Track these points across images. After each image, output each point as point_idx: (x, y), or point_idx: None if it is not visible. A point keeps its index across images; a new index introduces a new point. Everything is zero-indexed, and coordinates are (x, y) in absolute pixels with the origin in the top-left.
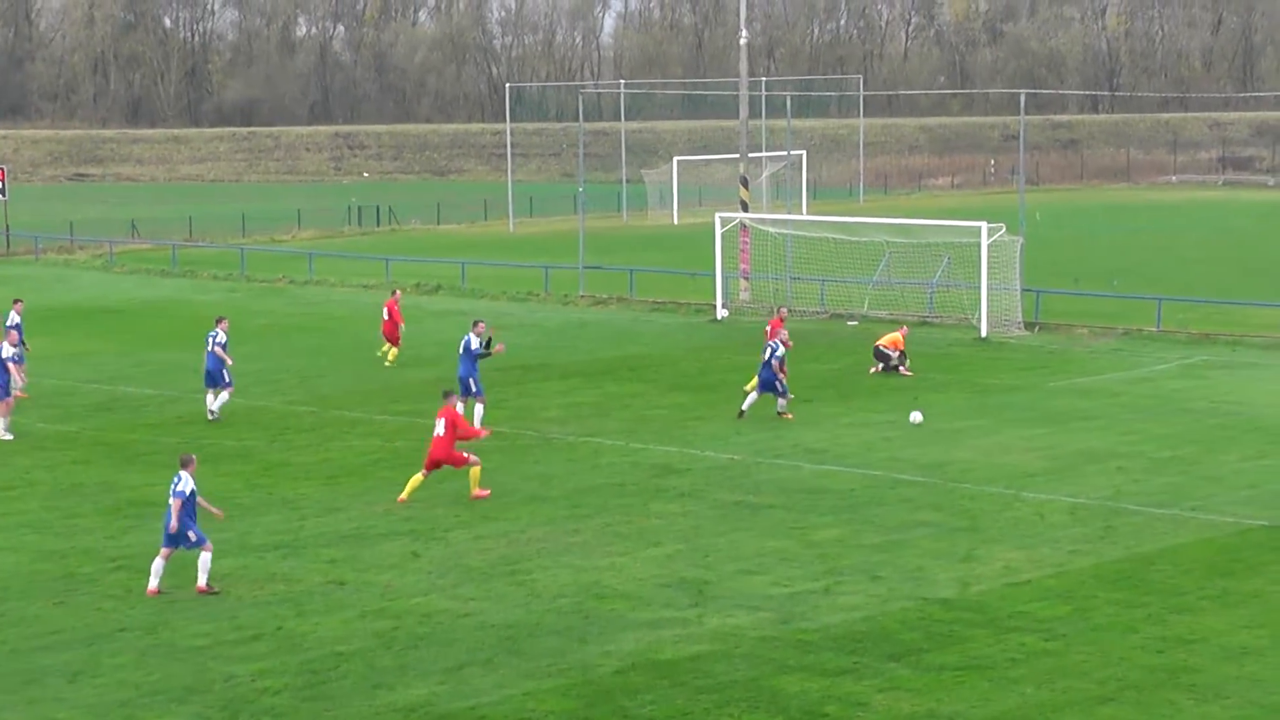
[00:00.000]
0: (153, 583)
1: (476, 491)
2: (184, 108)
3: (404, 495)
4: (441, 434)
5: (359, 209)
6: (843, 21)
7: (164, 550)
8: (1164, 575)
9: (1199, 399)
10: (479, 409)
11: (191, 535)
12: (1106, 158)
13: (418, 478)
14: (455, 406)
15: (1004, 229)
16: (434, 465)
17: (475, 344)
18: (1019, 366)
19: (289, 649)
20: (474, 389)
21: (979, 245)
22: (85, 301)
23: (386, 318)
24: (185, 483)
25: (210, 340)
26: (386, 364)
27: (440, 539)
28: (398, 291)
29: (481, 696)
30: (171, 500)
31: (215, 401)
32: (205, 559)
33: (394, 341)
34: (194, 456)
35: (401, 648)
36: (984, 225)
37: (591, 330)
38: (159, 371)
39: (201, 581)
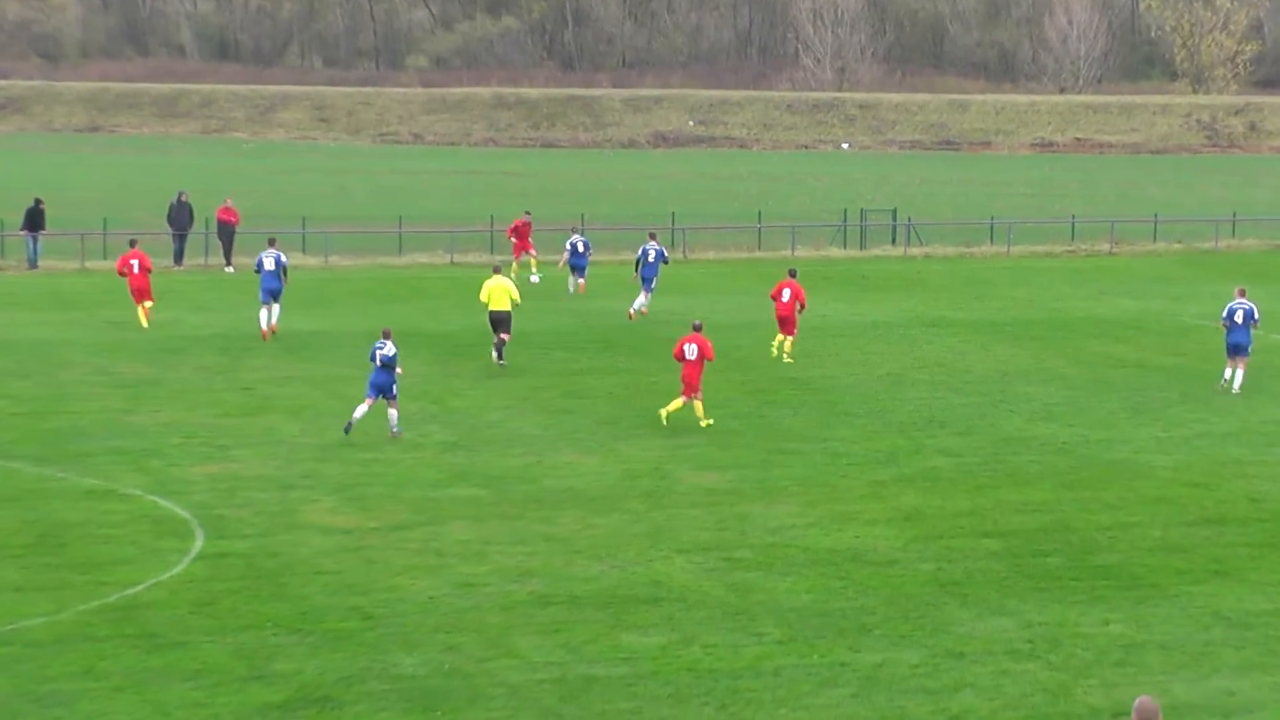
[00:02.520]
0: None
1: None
2: None
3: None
4: (693, 359)
5: None
6: None
7: (369, 400)
8: None
9: None
10: None
11: (394, 389)
12: None
13: (676, 403)
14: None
15: None
16: (689, 387)
17: None
18: None
19: None
20: None
21: None
22: None
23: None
24: (388, 348)
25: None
26: None
27: None
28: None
29: None
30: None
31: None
32: (394, 414)
33: None
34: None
35: None
36: None
37: None
38: None
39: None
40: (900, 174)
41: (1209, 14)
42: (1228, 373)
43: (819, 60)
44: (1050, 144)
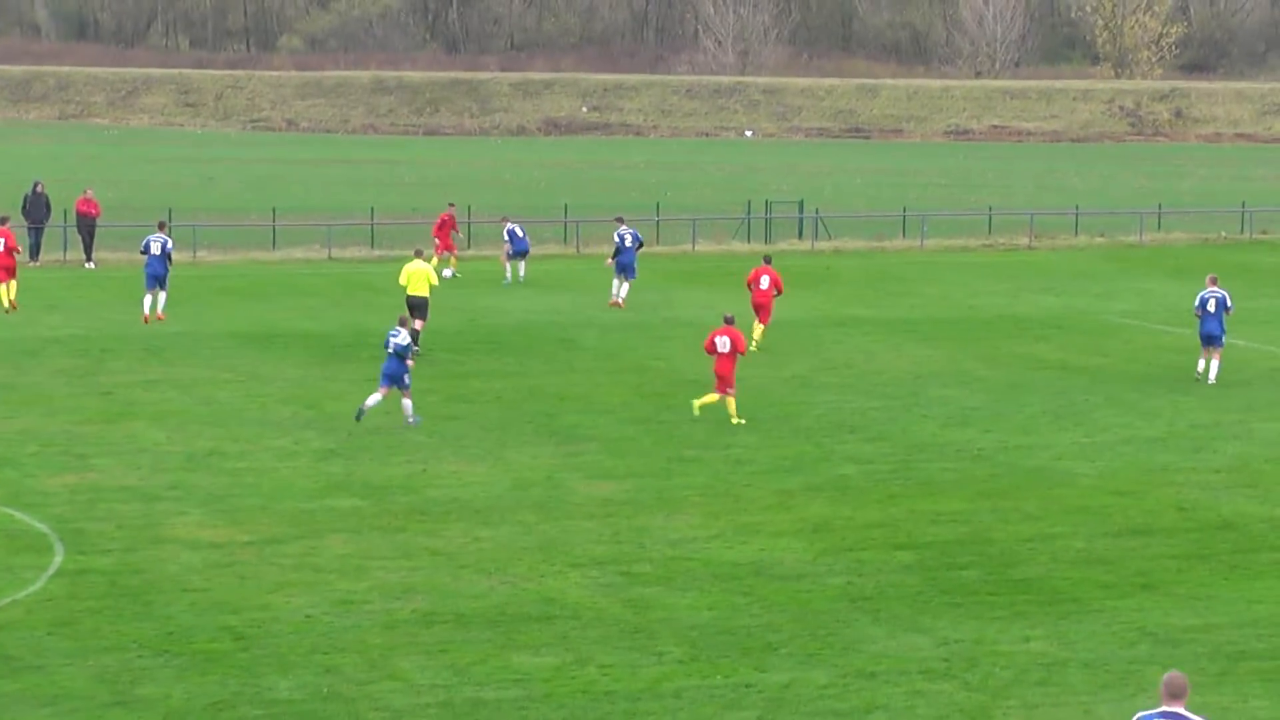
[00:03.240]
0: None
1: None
2: None
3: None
4: (726, 352)
5: None
6: None
7: (382, 389)
8: None
9: None
10: None
11: (407, 379)
12: None
13: (711, 397)
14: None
15: None
16: (723, 381)
17: None
18: None
19: None
20: None
21: None
22: None
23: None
24: (403, 336)
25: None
26: None
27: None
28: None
29: None
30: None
31: None
32: (408, 404)
33: None
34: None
35: None
36: None
37: None
38: None
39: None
40: (807, 163)
41: None
42: (1201, 364)
43: (720, 42)
44: (965, 131)
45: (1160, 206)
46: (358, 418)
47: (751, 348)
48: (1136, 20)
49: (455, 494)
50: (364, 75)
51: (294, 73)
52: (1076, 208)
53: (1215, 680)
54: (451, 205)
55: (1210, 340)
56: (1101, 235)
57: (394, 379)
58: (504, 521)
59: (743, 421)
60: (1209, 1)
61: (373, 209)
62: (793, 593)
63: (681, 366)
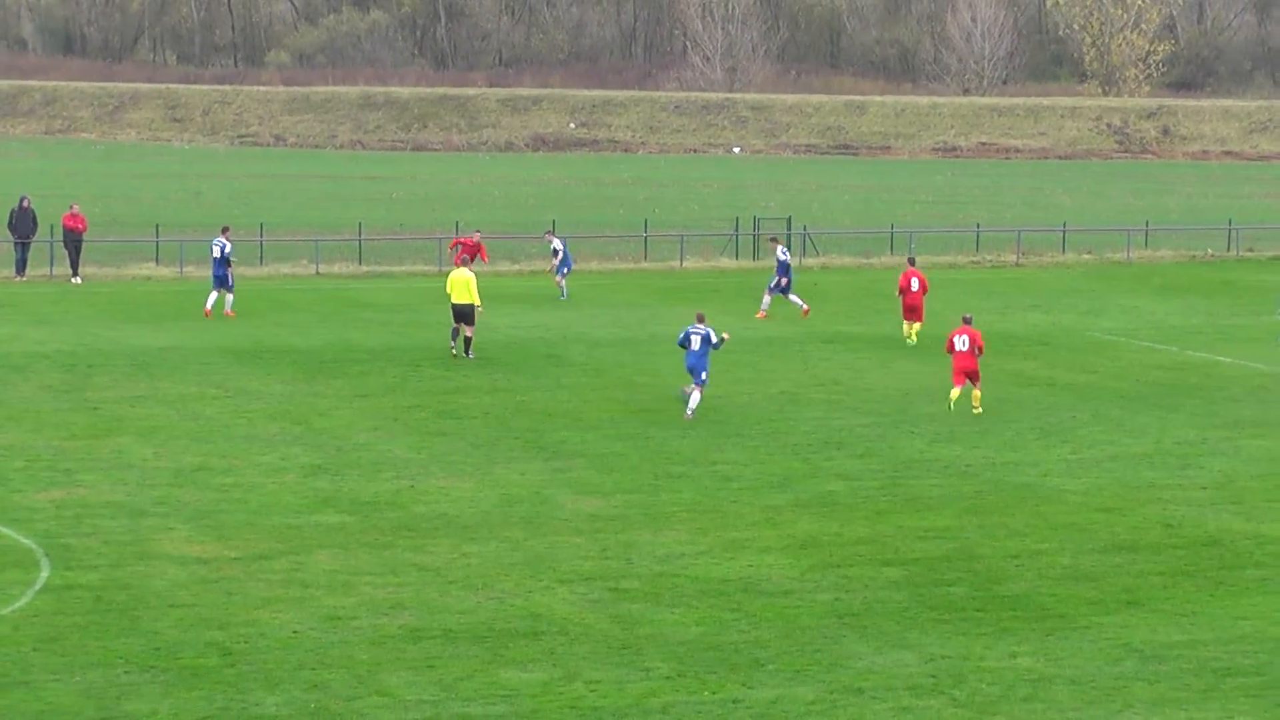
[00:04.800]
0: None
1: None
2: None
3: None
4: (965, 349)
5: None
6: None
7: (697, 385)
8: None
9: None
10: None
11: (704, 375)
12: None
13: (956, 390)
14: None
15: None
16: (967, 374)
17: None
18: None
19: None
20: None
21: None
22: None
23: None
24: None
25: None
26: None
27: None
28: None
29: None
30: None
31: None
32: (697, 397)
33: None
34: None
35: None
36: None
37: None
38: None
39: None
40: (795, 179)
41: (1119, 12)
42: None
43: (708, 59)
44: (953, 148)
45: (1147, 224)
46: (683, 401)
47: (910, 341)
48: (1124, 38)
49: (443, 510)
50: (352, 91)
51: (282, 88)
52: (1064, 225)
53: (1200, 696)
54: (477, 231)
55: None
56: (1089, 252)
57: (693, 372)
58: (491, 537)
59: (980, 410)
60: (1196, 19)
61: (360, 225)
62: (780, 609)
63: (669, 382)
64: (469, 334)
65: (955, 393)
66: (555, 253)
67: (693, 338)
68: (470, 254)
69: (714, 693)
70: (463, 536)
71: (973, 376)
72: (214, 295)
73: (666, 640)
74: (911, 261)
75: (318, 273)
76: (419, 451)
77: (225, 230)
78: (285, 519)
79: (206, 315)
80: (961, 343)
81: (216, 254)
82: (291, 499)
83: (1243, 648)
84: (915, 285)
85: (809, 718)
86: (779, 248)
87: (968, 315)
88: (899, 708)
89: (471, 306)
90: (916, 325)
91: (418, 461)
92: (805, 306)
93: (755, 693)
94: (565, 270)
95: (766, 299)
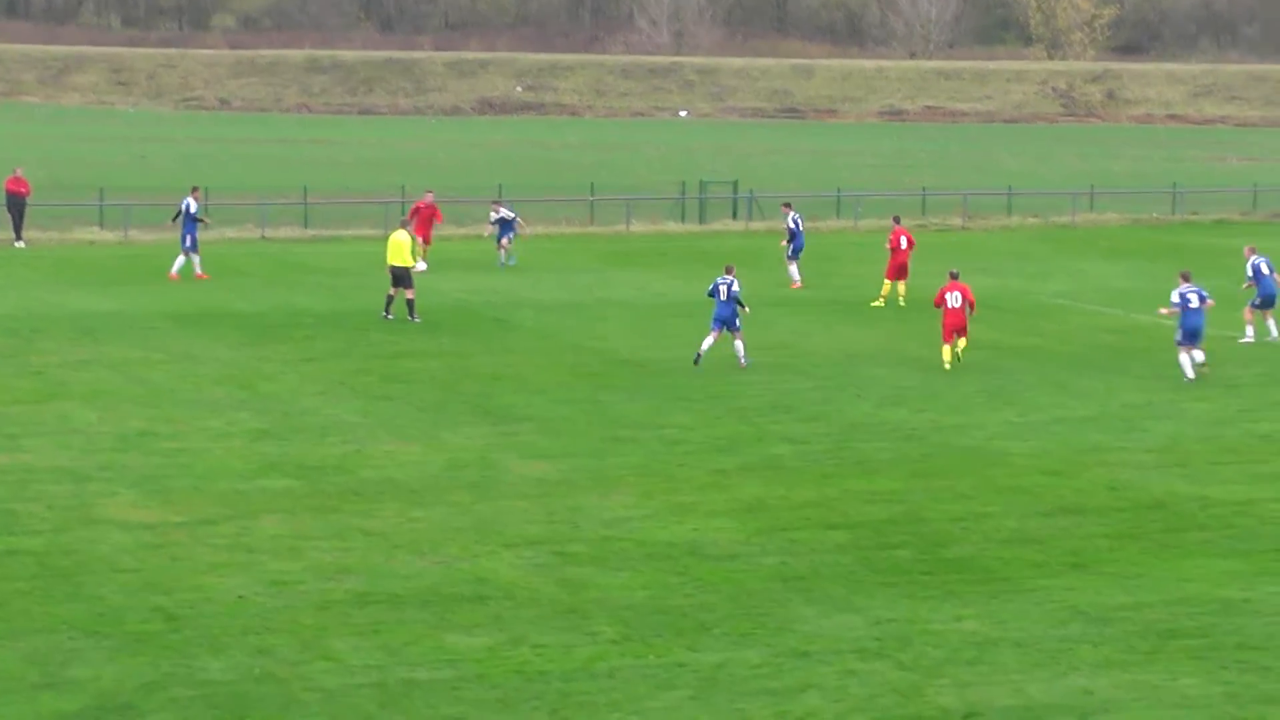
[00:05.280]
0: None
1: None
2: None
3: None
4: (957, 306)
5: None
6: None
7: (714, 332)
8: None
9: None
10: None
11: (739, 322)
12: None
13: (946, 348)
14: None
15: None
16: (956, 331)
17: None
18: None
19: None
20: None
21: None
22: None
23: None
24: (735, 284)
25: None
26: None
27: None
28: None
29: None
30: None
31: None
32: (740, 345)
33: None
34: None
35: None
36: None
37: None
38: None
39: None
40: (742, 143)
41: None
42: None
43: (655, 22)
44: (899, 112)
45: (1093, 187)
46: (696, 362)
47: (900, 303)
48: (1069, 2)
49: (389, 474)
50: (298, 54)
51: (227, 51)
52: (1010, 188)
53: (1145, 658)
54: (429, 192)
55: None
56: (1035, 216)
57: (726, 323)
58: (438, 502)
59: (960, 361)
60: None
61: (306, 189)
62: (726, 572)
63: (617, 346)
64: (409, 295)
65: (948, 350)
66: (501, 221)
67: (720, 288)
68: (427, 219)
69: (660, 656)
70: (409, 501)
71: (961, 331)
72: (180, 259)
73: (613, 604)
74: (897, 220)
75: (263, 237)
76: (365, 416)
77: (195, 191)
78: (231, 484)
79: (173, 279)
80: (954, 299)
81: (187, 210)
82: (237, 464)
83: (1187, 609)
84: (904, 243)
85: (755, 681)
86: (790, 214)
87: (955, 270)
88: (845, 671)
89: (406, 269)
90: (902, 285)
91: (364, 426)
92: (798, 281)
93: (701, 656)
94: (508, 237)
95: (793, 269)
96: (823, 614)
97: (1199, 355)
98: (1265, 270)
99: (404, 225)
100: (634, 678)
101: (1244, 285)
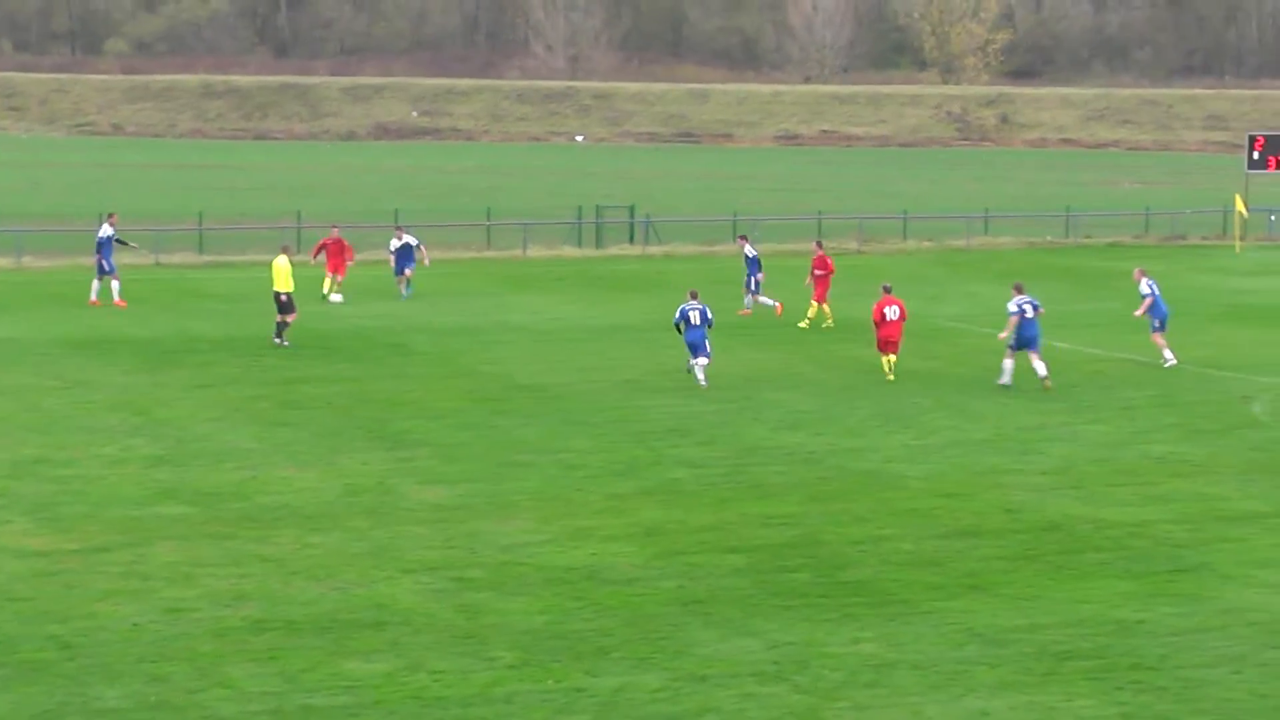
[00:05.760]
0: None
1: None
2: None
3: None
4: (895, 319)
5: None
6: None
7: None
8: None
9: None
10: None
11: (708, 347)
12: None
13: (885, 359)
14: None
15: None
16: (891, 343)
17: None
18: None
19: None
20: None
21: None
22: None
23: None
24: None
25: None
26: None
27: None
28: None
29: None
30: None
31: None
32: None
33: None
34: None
35: None
36: None
37: None
38: None
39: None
40: (638, 168)
41: (959, 0)
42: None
43: (551, 47)
44: (795, 136)
45: (987, 211)
46: (697, 379)
47: (827, 325)
48: (963, 27)
49: (286, 500)
50: (192, 79)
51: (121, 76)
52: (905, 212)
53: (1042, 680)
54: (335, 227)
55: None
56: (930, 240)
57: (698, 346)
58: (335, 527)
59: (892, 378)
60: (1034, 8)
61: (201, 214)
62: (625, 597)
63: (514, 371)
64: (290, 319)
65: (886, 361)
66: (403, 249)
67: (690, 314)
68: (336, 253)
69: (558, 681)
70: (306, 527)
71: (895, 345)
72: (96, 284)
73: (511, 629)
74: (887, 289)
75: (157, 263)
76: (262, 442)
77: (111, 216)
78: (126, 510)
79: (93, 304)
80: (892, 312)
81: (103, 236)
82: (132, 490)
83: (1083, 631)
84: (895, 313)
85: (653, 705)
86: (746, 244)
87: (888, 284)
88: (743, 694)
89: (289, 295)
90: (825, 307)
91: (260, 451)
92: (778, 304)
93: (600, 681)
94: (410, 267)
95: (748, 298)
96: (721, 638)
97: (1041, 368)
98: (1157, 291)
99: (284, 250)
100: (532, 703)
101: (1140, 310)
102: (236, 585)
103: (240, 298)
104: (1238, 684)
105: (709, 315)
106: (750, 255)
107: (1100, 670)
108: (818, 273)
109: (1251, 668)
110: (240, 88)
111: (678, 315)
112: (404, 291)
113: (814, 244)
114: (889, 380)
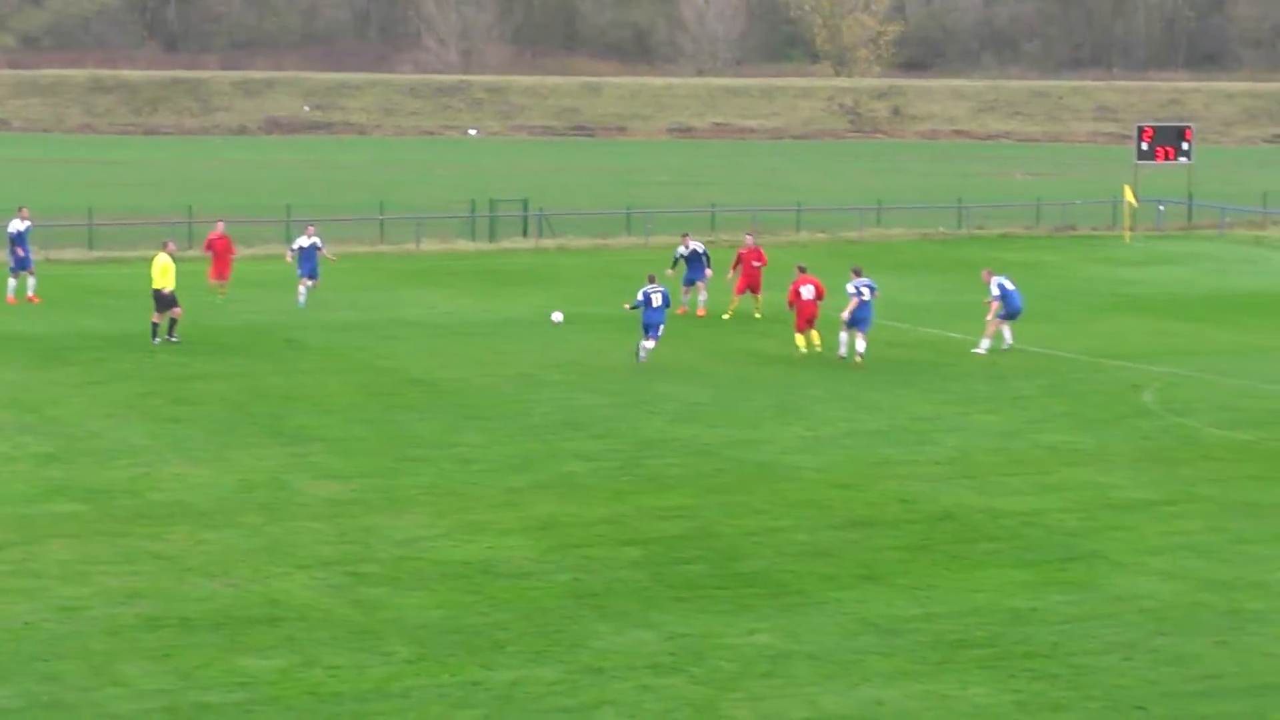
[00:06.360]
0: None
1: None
2: None
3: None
4: (810, 298)
5: None
6: None
7: (651, 338)
8: None
9: None
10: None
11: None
12: None
13: (800, 337)
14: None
15: None
16: (809, 322)
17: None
18: None
19: None
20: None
21: None
22: (1273, 287)
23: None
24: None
25: None
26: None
27: None
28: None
29: None
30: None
31: None
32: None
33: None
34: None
35: None
36: None
37: None
38: None
39: None
40: (531, 161)
41: None
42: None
43: (443, 41)
44: (689, 129)
45: (880, 203)
46: (638, 357)
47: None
48: (855, 19)
49: (179, 497)
50: (81, 74)
51: (7, 71)
52: (798, 205)
53: (936, 669)
54: (220, 221)
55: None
56: (823, 231)
57: (654, 328)
58: (229, 524)
59: (819, 349)
60: (924, 1)
61: (91, 210)
62: (520, 590)
63: (408, 365)
64: (176, 314)
65: (802, 339)
66: (310, 248)
67: (652, 297)
68: (223, 253)
69: (454, 675)
70: (200, 523)
71: (813, 322)
72: (12, 281)
73: (407, 624)
74: (803, 269)
75: (47, 259)
76: (155, 438)
77: (21, 210)
78: (17, 508)
79: (10, 303)
80: (808, 291)
81: (12, 231)
82: (23, 488)
83: (977, 620)
84: (811, 292)
85: (550, 698)
86: (688, 240)
87: (803, 264)
88: (640, 686)
89: (171, 292)
90: (757, 298)
91: (153, 448)
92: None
93: (496, 674)
94: (315, 278)
95: (702, 296)
96: (617, 630)
97: (860, 345)
98: (1010, 286)
99: (165, 247)
100: (429, 697)
101: (990, 311)
102: (130, 583)
103: (132, 294)
104: (1129, 670)
105: (669, 298)
106: (700, 251)
107: (994, 658)
108: (755, 264)
109: (1142, 654)
110: (130, 82)
111: (640, 297)
112: (302, 297)
113: (746, 236)
114: (817, 354)
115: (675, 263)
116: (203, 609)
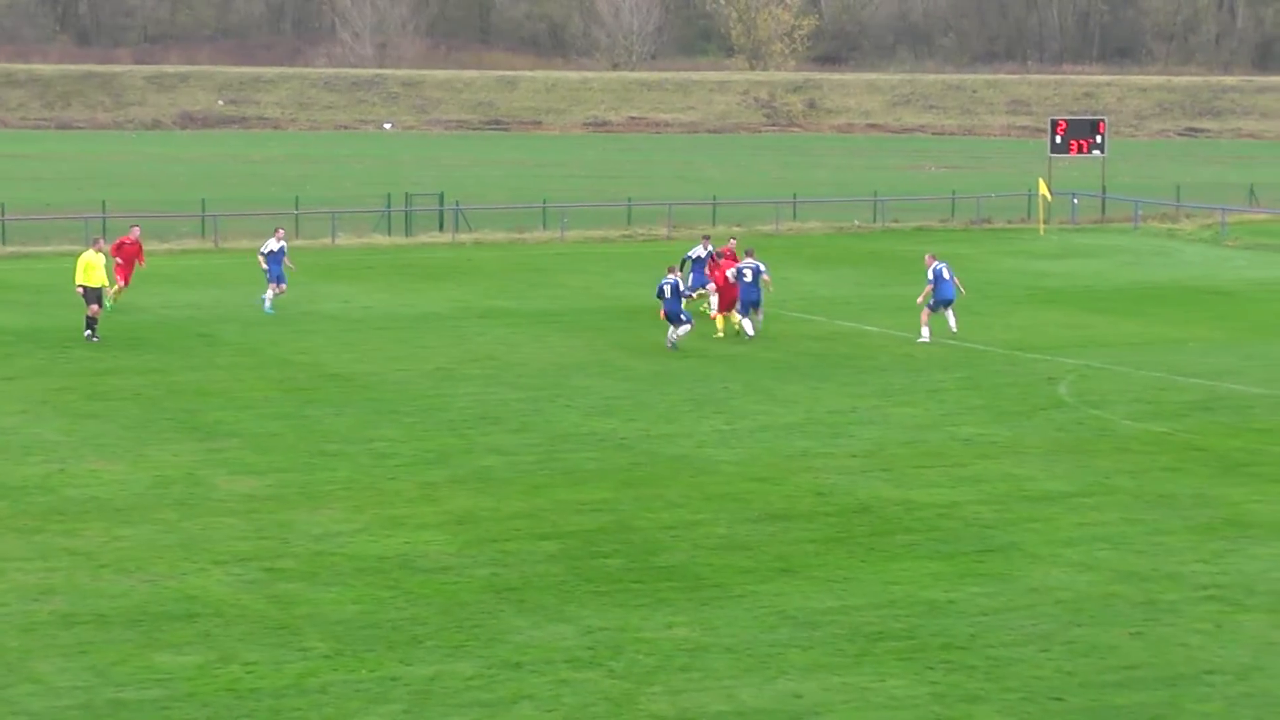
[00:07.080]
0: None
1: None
2: None
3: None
4: (750, 281)
5: None
6: None
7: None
8: None
9: None
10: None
11: (684, 315)
12: None
13: (721, 319)
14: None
15: None
16: (733, 304)
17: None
18: None
19: None
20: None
21: None
22: (1187, 280)
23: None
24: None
25: None
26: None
27: None
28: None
29: None
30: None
31: None
32: (684, 331)
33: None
34: None
35: None
36: None
37: None
38: (1273, 367)
39: None
40: (447, 155)
41: None
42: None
43: (358, 34)
44: (604, 123)
45: (795, 196)
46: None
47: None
48: (769, 13)
49: (94, 493)
50: None
51: None
52: (714, 198)
53: (854, 661)
54: (135, 227)
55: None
56: (739, 225)
57: (675, 316)
58: (144, 520)
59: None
60: None
61: (3, 205)
62: (438, 585)
63: (324, 360)
64: (93, 312)
65: (721, 320)
66: (279, 253)
67: (665, 287)
68: (130, 259)
69: (372, 671)
70: (115, 519)
71: (734, 304)
72: None
73: (324, 619)
74: (749, 252)
75: None
76: (69, 434)
77: None
78: None
79: None
80: (732, 274)
81: None
82: None
83: (894, 612)
84: (750, 276)
85: (468, 693)
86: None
87: (750, 249)
88: (558, 680)
89: (99, 290)
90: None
91: (67, 444)
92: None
93: (414, 669)
94: (283, 283)
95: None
96: (534, 624)
97: (749, 328)
98: (946, 275)
99: (94, 245)
100: (346, 693)
101: (921, 297)
102: (44, 579)
103: (45, 289)
104: (1045, 661)
105: (680, 288)
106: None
107: (911, 650)
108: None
109: (1058, 645)
110: (42, 76)
111: (658, 289)
112: (268, 302)
113: (731, 240)
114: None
115: (683, 264)
116: (118, 605)
